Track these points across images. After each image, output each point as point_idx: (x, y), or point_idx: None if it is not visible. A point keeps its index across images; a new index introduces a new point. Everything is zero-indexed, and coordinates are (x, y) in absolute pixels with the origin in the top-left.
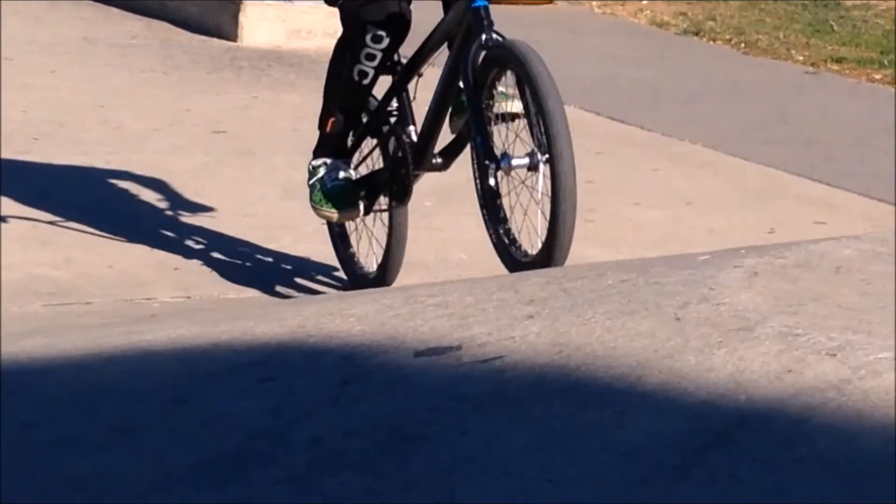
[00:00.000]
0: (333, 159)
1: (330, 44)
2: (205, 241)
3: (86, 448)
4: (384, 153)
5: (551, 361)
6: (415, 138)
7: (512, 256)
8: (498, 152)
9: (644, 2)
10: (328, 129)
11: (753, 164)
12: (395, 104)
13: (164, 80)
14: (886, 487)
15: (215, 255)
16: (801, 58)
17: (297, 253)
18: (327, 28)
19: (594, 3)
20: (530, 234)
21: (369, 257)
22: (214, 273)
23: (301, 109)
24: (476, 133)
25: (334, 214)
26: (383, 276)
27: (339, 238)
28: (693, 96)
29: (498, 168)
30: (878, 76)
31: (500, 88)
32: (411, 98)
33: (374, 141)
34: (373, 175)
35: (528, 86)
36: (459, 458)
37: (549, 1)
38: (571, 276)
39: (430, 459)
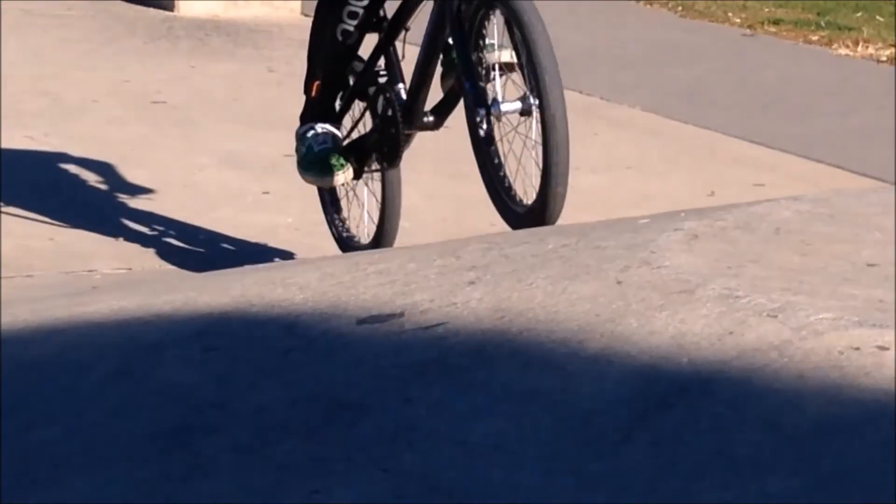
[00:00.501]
0: (321, 124)
1: (267, 12)
2: (145, 213)
3: (30, 421)
4: (373, 114)
5: (493, 327)
6: (404, 96)
7: (508, 207)
8: (490, 98)
9: None
10: (313, 93)
11: (692, 126)
12: (382, 63)
13: (101, 51)
14: (829, 447)
15: (156, 226)
16: (738, 20)
17: (237, 222)
18: None
19: None
20: (525, 184)
21: (361, 226)
22: (155, 244)
23: (239, 78)
24: (465, 78)
25: (322, 180)
26: (379, 244)
27: (331, 205)
28: (631, 60)
29: (489, 114)
30: (814, 37)
31: (490, 40)
32: (399, 56)
33: (364, 104)
34: (363, 137)
35: (516, 25)
36: (403, 425)
37: None
38: (512, 242)
39: (374, 427)
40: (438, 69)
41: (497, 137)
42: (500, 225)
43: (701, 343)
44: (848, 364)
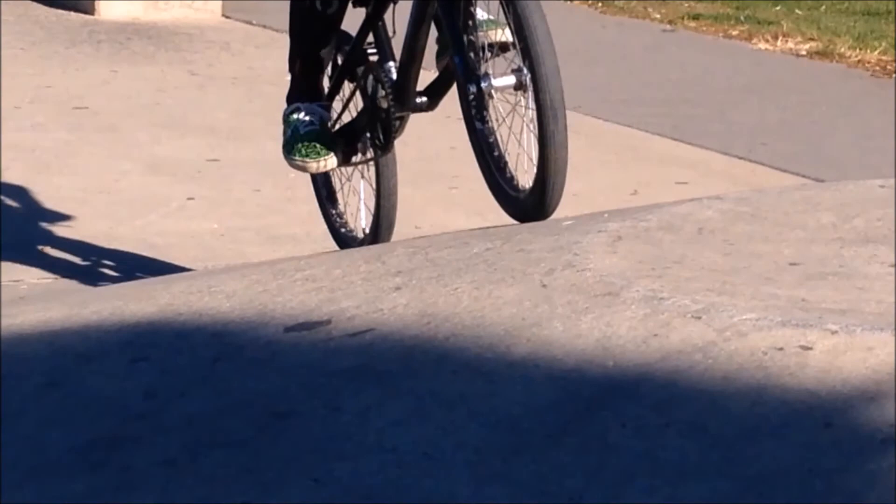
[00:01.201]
0: (307, 103)
1: (188, 14)
2: (70, 221)
3: None
4: (363, 95)
5: (420, 333)
6: (395, 76)
7: (504, 192)
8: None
9: None
10: (297, 70)
11: (614, 124)
12: (371, 40)
13: (22, 57)
14: (754, 449)
15: (81, 234)
16: (658, 16)
17: (163, 229)
18: None
19: None
20: (527, 169)
21: (359, 219)
22: (81, 253)
23: (162, 82)
24: (454, 52)
25: (307, 163)
26: (375, 237)
27: (326, 197)
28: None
29: (480, 89)
30: (734, 32)
31: (481, 13)
32: (389, 32)
33: (353, 84)
34: (352, 121)
35: None
36: (333, 433)
37: None
38: (437, 246)
39: (303, 436)
40: (433, 47)
41: (492, 116)
42: (425, 228)
43: (626, 346)
44: (772, 364)
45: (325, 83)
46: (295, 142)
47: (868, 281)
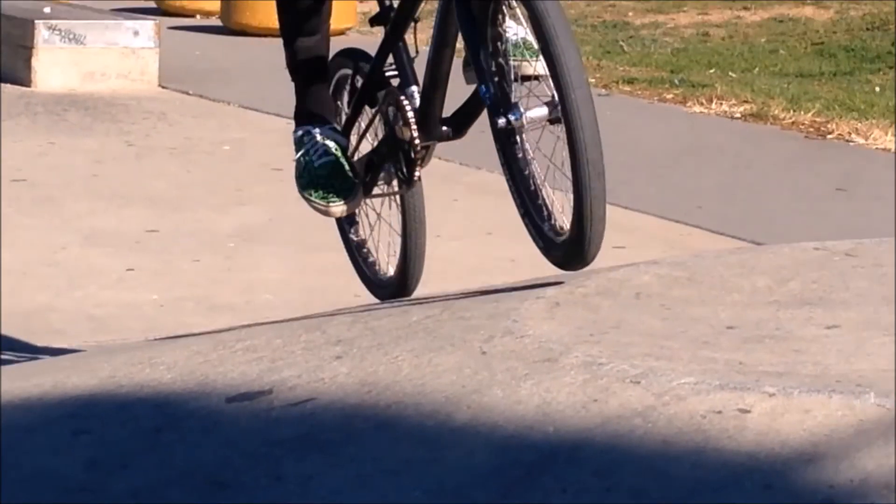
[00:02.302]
0: (320, 127)
1: (124, 85)
2: (8, 294)
3: None
4: (384, 122)
5: (361, 401)
6: (418, 101)
7: (543, 234)
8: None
9: None
10: (299, 79)
11: (550, 189)
12: (392, 61)
13: None
14: None
15: (21, 306)
16: (592, 80)
17: (103, 301)
18: (121, 70)
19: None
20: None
21: (387, 259)
22: (20, 326)
23: (99, 153)
24: (479, 80)
25: (329, 208)
26: (402, 281)
27: (350, 232)
28: (484, 123)
29: (509, 123)
30: (669, 95)
31: (512, 34)
32: (410, 53)
33: (374, 110)
34: (372, 151)
35: (531, 15)
36: (276, 502)
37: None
38: (377, 314)
39: None
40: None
41: (526, 148)
42: (365, 297)
43: (566, 411)
44: (711, 428)
45: (333, 89)
46: (311, 180)
47: (804, 343)
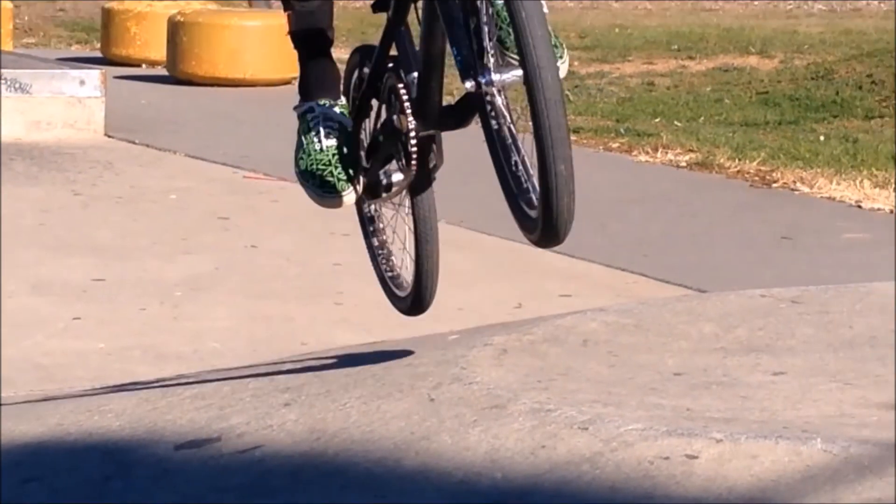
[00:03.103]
0: (323, 105)
1: (70, 134)
2: None
3: None
4: (388, 112)
5: (310, 449)
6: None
7: (519, 207)
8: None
9: None
10: (299, 43)
11: (496, 238)
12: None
13: None
14: None
15: None
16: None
17: (50, 349)
18: (67, 119)
19: None
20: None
21: (405, 264)
22: None
23: (46, 202)
24: (451, 43)
25: (324, 199)
26: (417, 292)
27: (372, 234)
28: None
29: (479, 87)
30: (614, 144)
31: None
32: (413, 39)
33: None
34: (372, 138)
35: None
36: None
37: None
38: (325, 362)
39: None
40: None
41: (505, 117)
42: (312, 344)
43: (514, 458)
44: (658, 474)
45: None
46: (307, 166)
47: (751, 389)
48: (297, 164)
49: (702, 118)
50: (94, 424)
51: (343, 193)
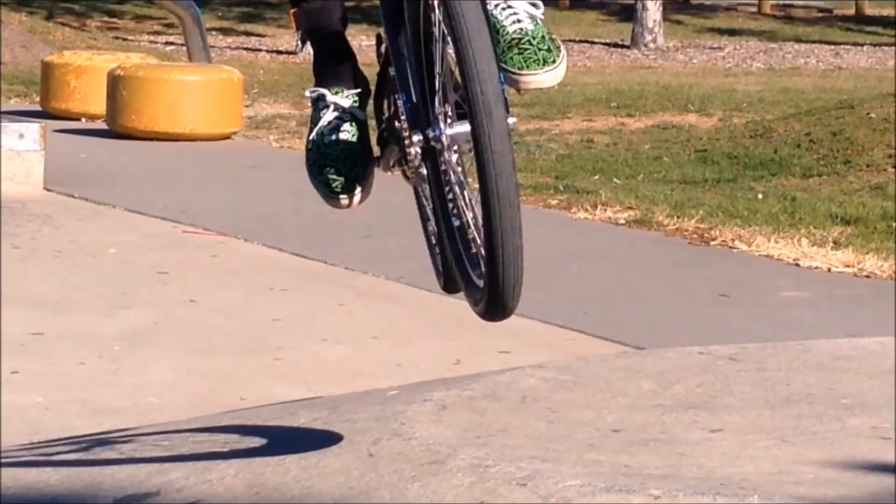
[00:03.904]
0: (336, 92)
1: (9, 188)
2: None
3: None
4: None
5: (249, 503)
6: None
7: (469, 279)
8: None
9: None
10: (298, 26)
11: (436, 295)
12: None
13: None
14: None
15: None
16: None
17: None
18: (6, 172)
19: (272, 137)
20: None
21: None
22: None
23: None
24: (400, 88)
25: (330, 199)
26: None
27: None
28: (373, 229)
29: (426, 141)
30: (553, 202)
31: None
32: None
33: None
34: (383, 128)
35: (445, 14)
36: None
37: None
38: (265, 417)
39: None
40: None
41: (449, 174)
42: (251, 399)
43: None
44: None
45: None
46: (317, 159)
47: (689, 446)
48: (306, 159)
49: (641, 175)
50: (33, 478)
51: (353, 192)
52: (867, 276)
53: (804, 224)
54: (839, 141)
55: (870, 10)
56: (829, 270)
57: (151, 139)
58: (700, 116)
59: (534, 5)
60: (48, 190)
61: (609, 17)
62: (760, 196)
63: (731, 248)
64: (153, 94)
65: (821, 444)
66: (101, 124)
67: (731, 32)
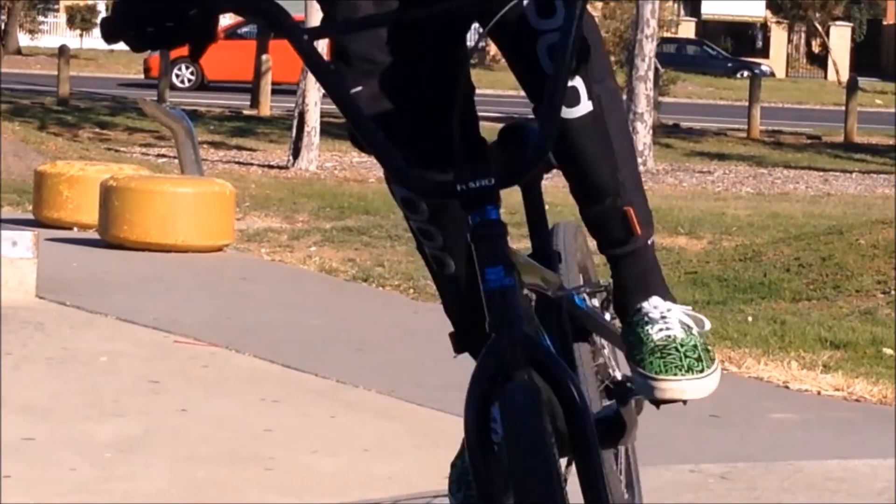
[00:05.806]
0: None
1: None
2: None
3: None
4: None
5: None
6: None
7: None
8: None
9: (312, 249)
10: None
11: (427, 409)
12: None
13: None
14: None
15: None
16: None
17: None
18: None
19: (263, 250)
20: None
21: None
22: None
23: None
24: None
25: None
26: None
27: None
28: (365, 342)
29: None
30: None
31: None
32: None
33: None
34: None
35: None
36: None
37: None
38: None
39: None
40: None
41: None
42: None
43: None
44: None
45: None
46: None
47: None
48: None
49: None
50: None
51: None
52: (857, 400)
53: (794, 347)
54: (828, 266)
55: (858, 138)
56: (819, 394)
57: (143, 250)
58: (690, 239)
59: (696, 322)
60: (40, 297)
61: None
62: (750, 319)
63: (721, 369)
64: (146, 205)
65: None
66: (93, 234)
67: (721, 157)
